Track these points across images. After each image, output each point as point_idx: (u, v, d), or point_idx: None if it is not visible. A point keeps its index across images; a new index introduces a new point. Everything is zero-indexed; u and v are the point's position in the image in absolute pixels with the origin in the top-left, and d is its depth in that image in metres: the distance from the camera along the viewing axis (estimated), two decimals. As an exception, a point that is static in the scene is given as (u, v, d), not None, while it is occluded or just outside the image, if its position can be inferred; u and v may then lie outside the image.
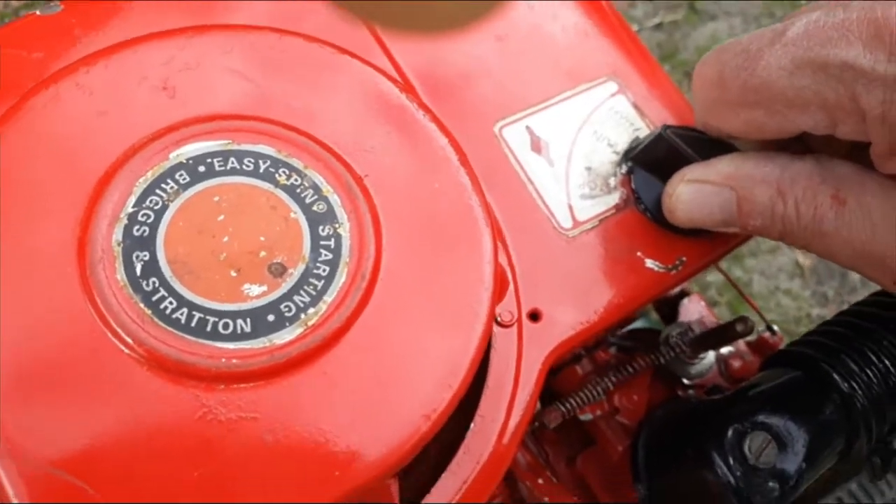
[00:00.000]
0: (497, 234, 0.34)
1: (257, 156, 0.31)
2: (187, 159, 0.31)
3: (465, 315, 0.31)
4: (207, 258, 0.29)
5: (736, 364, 0.50)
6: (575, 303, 0.39)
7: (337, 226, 0.31)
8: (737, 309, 1.14)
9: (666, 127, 0.40)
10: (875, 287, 0.42)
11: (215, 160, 0.31)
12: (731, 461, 0.37)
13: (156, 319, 0.28)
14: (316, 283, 0.30)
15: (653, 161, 0.41)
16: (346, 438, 0.28)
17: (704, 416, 0.40)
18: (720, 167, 0.37)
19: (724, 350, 0.50)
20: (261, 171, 0.31)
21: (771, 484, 0.37)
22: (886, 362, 0.39)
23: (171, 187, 0.30)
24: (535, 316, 0.38)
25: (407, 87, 0.35)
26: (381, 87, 0.34)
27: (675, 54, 1.37)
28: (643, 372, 0.45)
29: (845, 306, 0.43)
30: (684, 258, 0.40)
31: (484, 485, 0.35)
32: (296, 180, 0.31)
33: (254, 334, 0.28)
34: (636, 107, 0.43)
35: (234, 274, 0.29)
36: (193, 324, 0.28)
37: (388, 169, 0.33)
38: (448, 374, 0.30)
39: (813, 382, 0.40)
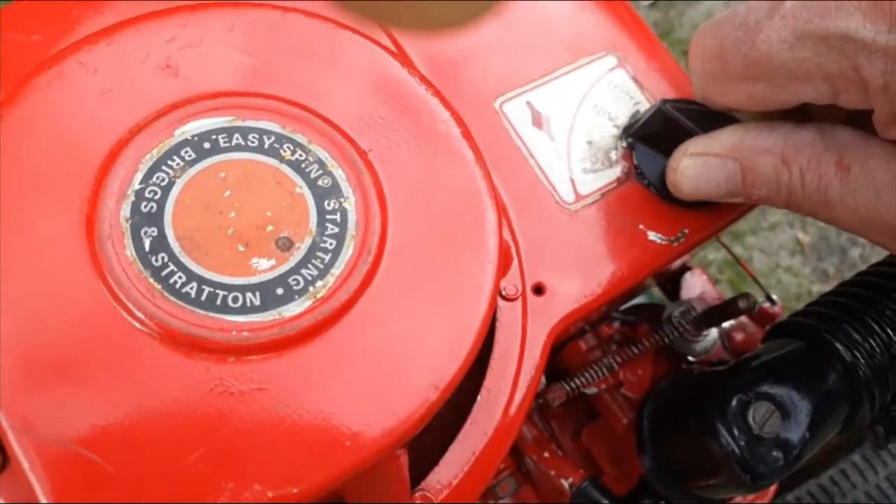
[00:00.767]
0: (500, 209, 0.34)
1: (262, 132, 0.32)
2: (193, 136, 0.31)
3: (471, 287, 0.31)
4: (215, 233, 0.29)
5: (739, 337, 0.50)
6: (578, 276, 0.39)
7: (342, 200, 0.31)
8: (738, 286, 1.14)
9: (665, 101, 0.40)
10: (875, 260, 0.43)
11: (220, 137, 0.31)
12: (735, 431, 0.38)
13: (166, 294, 0.28)
14: (323, 256, 0.30)
15: (653, 136, 0.41)
16: (356, 409, 0.28)
17: (708, 386, 0.41)
18: (723, 139, 0.37)
19: (726, 323, 0.51)
20: (266, 146, 0.31)
21: (774, 453, 0.38)
22: (889, 331, 0.39)
23: (178, 164, 0.30)
24: (539, 290, 0.38)
25: (407, 63, 0.35)
26: (383, 62, 0.34)
27: (671, 32, 1.37)
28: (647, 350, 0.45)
29: (845, 282, 0.43)
30: (686, 230, 0.41)
31: (491, 456, 0.35)
32: (300, 155, 0.31)
33: (263, 307, 0.28)
34: (636, 80, 0.43)
35: (241, 248, 0.29)
36: (203, 298, 0.28)
37: (391, 143, 0.33)
38: (454, 346, 0.30)
39: (816, 352, 0.40)
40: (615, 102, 0.43)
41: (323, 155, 0.32)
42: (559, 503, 0.46)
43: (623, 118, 0.42)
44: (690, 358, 0.49)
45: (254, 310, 0.28)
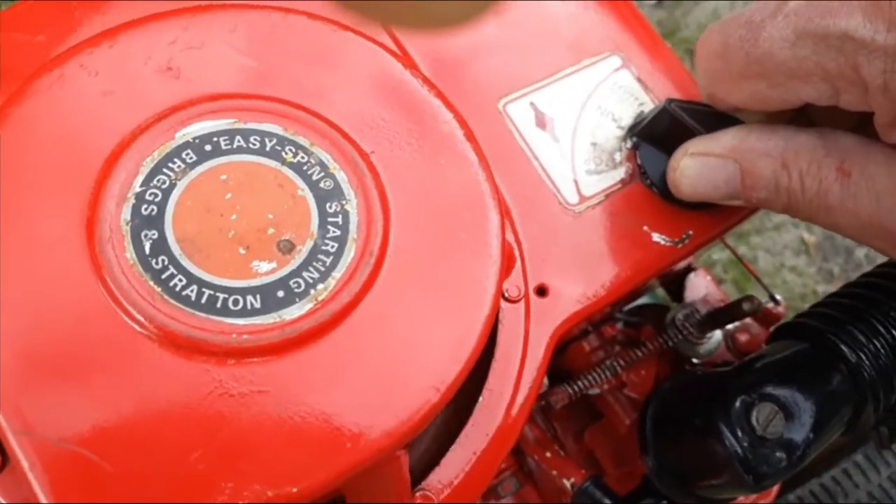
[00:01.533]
0: (503, 211, 0.34)
1: (263, 134, 0.32)
2: (194, 138, 0.31)
3: (473, 289, 0.31)
4: (216, 236, 0.29)
5: (742, 338, 0.50)
6: (582, 278, 0.39)
7: (344, 202, 0.31)
8: (742, 286, 1.14)
9: (670, 100, 0.40)
10: (881, 260, 0.42)
11: (221, 139, 0.31)
12: (739, 432, 0.38)
13: (166, 297, 0.28)
14: (325, 259, 0.30)
15: (658, 135, 0.40)
16: (357, 411, 0.28)
17: (712, 387, 0.41)
18: (724, 140, 0.37)
19: (730, 325, 0.50)
20: (267, 149, 0.31)
21: (778, 454, 0.38)
22: (894, 332, 0.39)
23: (179, 166, 0.30)
24: (542, 291, 0.38)
25: (410, 64, 0.35)
26: (385, 63, 0.34)
27: (677, 31, 1.36)
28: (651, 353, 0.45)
29: (850, 283, 0.43)
30: (691, 232, 0.40)
31: (493, 457, 0.35)
32: (302, 158, 0.31)
33: (264, 310, 0.28)
34: (640, 81, 0.43)
35: (242, 251, 0.29)
36: (203, 300, 0.28)
37: (394, 145, 0.33)
38: (456, 348, 0.30)
39: (820, 353, 0.40)
40: (619, 103, 0.42)
41: (325, 157, 0.32)
42: (561, 503, 0.46)
43: (627, 119, 0.42)
44: (694, 360, 0.49)
45: (254, 312, 0.28)
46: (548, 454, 0.46)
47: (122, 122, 0.31)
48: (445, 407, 0.30)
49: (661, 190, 0.40)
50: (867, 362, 0.39)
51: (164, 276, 0.28)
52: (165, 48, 0.32)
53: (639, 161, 0.41)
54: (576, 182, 0.41)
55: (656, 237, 0.40)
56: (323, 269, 0.30)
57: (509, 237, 0.38)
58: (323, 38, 0.34)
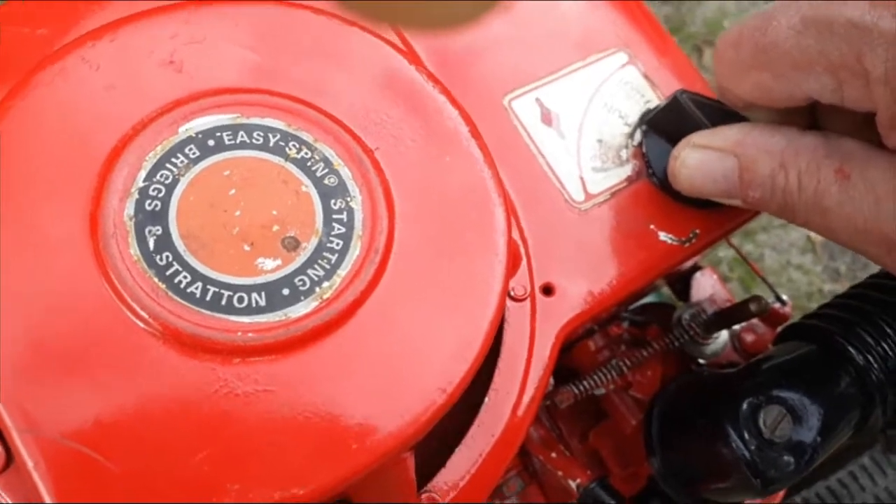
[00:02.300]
0: (509, 208, 0.34)
1: (267, 129, 0.31)
2: (197, 133, 0.30)
3: (479, 288, 0.31)
4: (220, 232, 0.29)
5: (749, 338, 0.50)
6: (588, 276, 0.38)
7: (349, 199, 0.31)
8: (748, 285, 1.13)
9: (682, 91, 0.39)
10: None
11: (225, 134, 0.31)
12: (746, 435, 0.37)
13: (171, 294, 0.28)
14: (330, 256, 0.29)
15: (666, 125, 0.40)
16: (363, 411, 0.28)
17: (719, 389, 0.40)
18: (727, 134, 0.37)
19: (736, 325, 0.50)
20: (271, 144, 0.31)
21: (786, 457, 0.37)
22: (902, 334, 0.38)
23: (182, 161, 0.30)
24: (548, 290, 0.38)
25: (415, 60, 0.35)
26: (390, 59, 0.34)
27: (683, 27, 1.36)
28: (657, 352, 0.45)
29: (857, 281, 0.43)
30: (698, 231, 0.40)
31: (499, 458, 0.35)
32: (306, 154, 0.31)
33: (269, 308, 0.28)
34: (647, 77, 0.43)
35: (247, 248, 0.29)
36: (208, 298, 0.28)
37: (398, 142, 0.32)
38: (463, 347, 0.30)
39: (827, 355, 0.39)
40: (626, 100, 0.42)
41: (329, 153, 0.31)
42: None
43: (634, 116, 0.42)
44: (700, 360, 0.49)
45: (259, 310, 0.28)
46: (553, 455, 0.45)
47: (125, 117, 0.30)
48: (452, 407, 0.29)
49: (665, 183, 0.40)
50: (875, 365, 0.38)
51: (168, 273, 0.28)
52: (168, 42, 0.32)
53: (644, 151, 0.40)
54: (582, 179, 0.40)
55: (663, 236, 0.40)
56: (328, 266, 0.29)
57: (515, 235, 0.38)
58: (327, 32, 0.34)
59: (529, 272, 0.38)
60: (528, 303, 0.37)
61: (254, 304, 0.28)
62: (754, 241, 1.22)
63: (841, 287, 1.21)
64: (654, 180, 0.40)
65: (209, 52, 0.32)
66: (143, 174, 0.29)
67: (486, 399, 0.35)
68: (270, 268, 0.29)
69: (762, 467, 0.37)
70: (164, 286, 0.28)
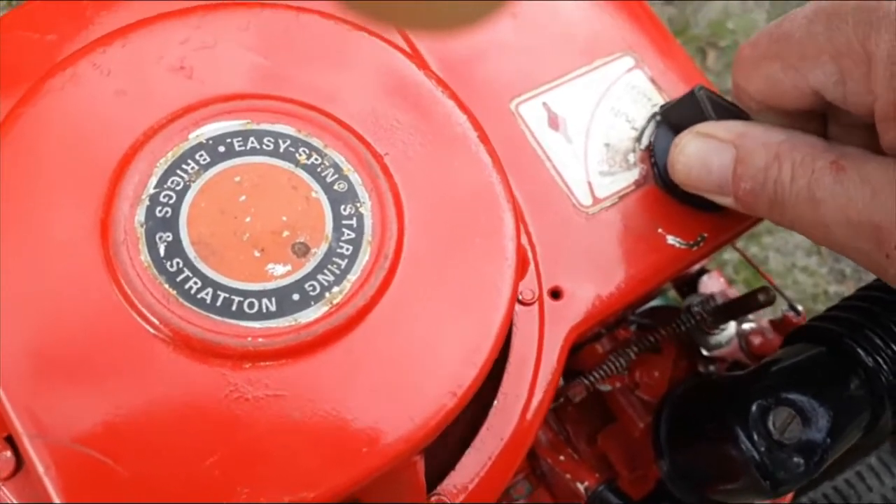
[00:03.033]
0: (517, 213, 0.34)
1: (277, 135, 0.31)
2: (207, 139, 0.31)
3: (489, 292, 0.31)
4: (230, 238, 0.29)
5: (756, 341, 0.50)
6: (596, 280, 0.39)
7: (358, 205, 0.31)
8: (754, 287, 1.13)
9: (700, 87, 0.39)
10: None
11: (235, 140, 0.31)
12: (756, 436, 0.37)
13: (181, 300, 0.28)
14: (339, 262, 0.29)
15: (678, 118, 0.40)
16: (373, 415, 0.28)
17: (727, 391, 0.40)
18: (730, 125, 0.37)
19: (746, 326, 0.50)
20: (281, 150, 0.31)
21: (795, 459, 0.37)
22: (911, 336, 0.38)
23: (192, 168, 0.30)
24: (556, 294, 0.38)
25: (423, 65, 0.35)
26: (399, 64, 0.34)
27: (687, 29, 1.36)
28: (665, 342, 0.45)
29: (862, 283, 0.42)
30: (705, 234, 0.40)
31: (508, 461, 0.35)
32: (316, 159, 0.31)
33: (279, 313, 0.28)
34: (654, 81, 0.43)
35: (257, 254, 0.29)
36: (219, 303, 0.28)
37: (408, 147, 0.33)
38: (472, 351, 0.30)
39: (837, 357, 0.39)
40: (633, 104, 0.42)
41: (339, 159, 0.31)
42: (574, 507, 0.46)
43: (640, 120, 0.42)
44: (704, 352, 0.49)
45: (269, 316, 0.28)
46: (561, 457, 0.45)
47: (136, 123, 0.31)
48: (461, 411, 0.29)
49: (663, 179, 0.40)
50: (885, 367, 0.38)
51: (179, 279, 0.28)
52: (178, 47, 0.32)
53: (652, 140, 0.40)
54: (589, 184, 0.40)
55: (671, 239, 0.40)
56: (338, 272, 0.29)
57: (523, 239, 0.38)
58: (336, 38, 0.34)
59: (537, 276, 0.38)
60: (536, 307, 0.37)
61: (264, 310, 0.28)
62: (759, 243, 1.22)
63: (846, 289, 1.20)
64: (658, 182, 0.40)
65: (219, 57, 0.32)
66: (153, 180, 0.30)
67: (496, 402, 0.35)
68: (280, 273, 0.29)
69: (772, 469, 0.37)
70: (174, 292, 0.28)
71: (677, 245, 0.40)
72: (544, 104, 0.41)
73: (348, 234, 0.30)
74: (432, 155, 0.33)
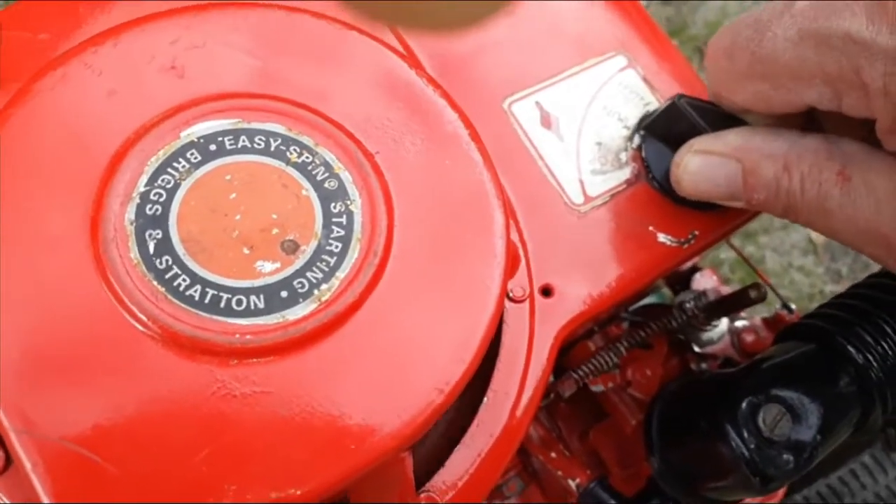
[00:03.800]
0: (508, 211, 0.34)
1: (268, 134, 0.31)
2: (198, 138, 0.31)
3: (478, 290, 0.31)
4: (220, 236, 0.29)
5: (749, 338, 0.50)
6: (587, 278, 0.39)
7: (349, 203, 0.31)
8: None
9: (680, 96, 0.39)
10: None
11: (226, 139, 0.31)
12: (746, 434, 0.37)
13: (170, 297, 0.28)
14: (329, 259, 0.30)
15: (665, 130, 0.40)
16: (360, 412, 0.28)
17: (718, 388, 0.40)
18: (729, 139, 0.37)
19: (738, 323, 0.50)
20: (272, 149, 0.31)
21: (785, 456, 0.37)
22: (902, 333, 0.39)
23: (183, 166, 0.30)
24: (547, 291, 0.38)
25: (415, 64, 0.35)
26: (390, 63, 0.34)
27: (684, 29, 1.36)
28: (656, 338, 0.45)
29: (858, 282, 0.43)
30: (697, 232, 0.40)
31: (498, 458, 0.35)
32: (307, 158, 0.31)
33: (267, 310, 0.28)
34: (646, 81, 0.43)
35: (246, 251, 0.29)
36: (207, 300, 0.28)
37: (399, 145, 0.33)
38: (461, 348, 0.30)
39: (827, 355, 0.39)
40: (625, 103, 0.42)
41: (329, 157, 0.32)
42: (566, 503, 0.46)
43: (633, 119, 0.42)
44: (696, 348, 0.49)
45: (258, 313, 0.28)
46: (553, 454, 0.46)
47: (127, 122, 0.31)
48: (450, 408, 0.30)
49: (663, 186, 0.40)
50: (875, 364, 0.38)
51: (168, 276, 0.28)
52: (169, 47, 0.32)
53: (643, 155, 0.41)
54: (581, 182, 0.40)
55: (662, 237, 0.40)
56: (327, 269, 0.29)
57: (514, 237, 0.38)
58: (327, 36, 0.34)
59: (528, 274, 0.38)
60: (527, 304, 0.37)
61: (252, 307, 0.28)
62: (756, 242, 1.22)
63: (842, 288, 1.20)
64: (654, 184, 0.40)
65: (210, 56, 0.33)
66: (144, 179, 0.30)
67: (485, 399, 0.36)
68: (269, 270, 0.29)
69: (761, 466, 0.37)
70: (163, 289, 0.28)
71: (668, 243, 0.40)
72: (537, 103, 0.41)
73: (338, 232, 0.30)
74: (423, 153, 0.33)
